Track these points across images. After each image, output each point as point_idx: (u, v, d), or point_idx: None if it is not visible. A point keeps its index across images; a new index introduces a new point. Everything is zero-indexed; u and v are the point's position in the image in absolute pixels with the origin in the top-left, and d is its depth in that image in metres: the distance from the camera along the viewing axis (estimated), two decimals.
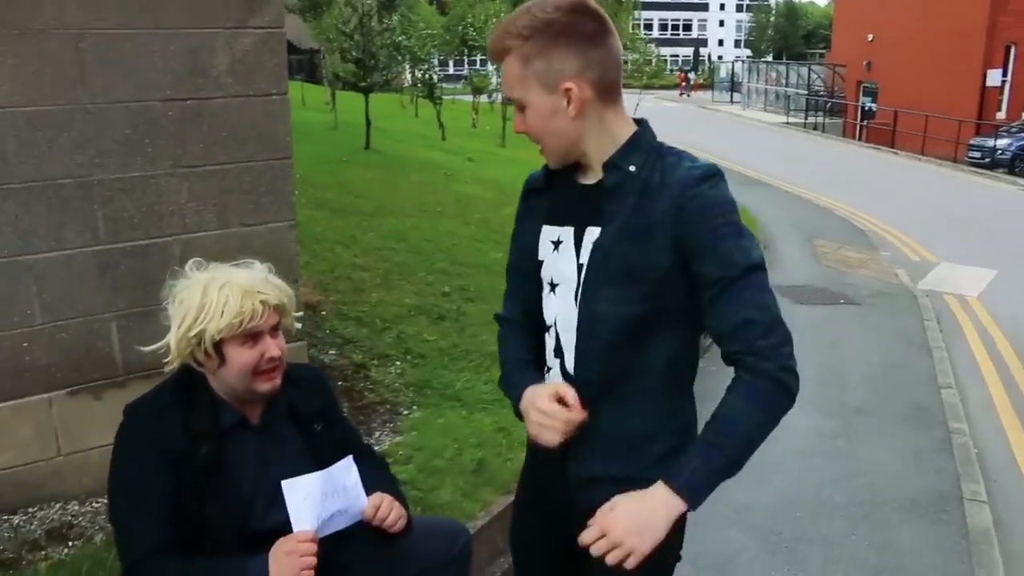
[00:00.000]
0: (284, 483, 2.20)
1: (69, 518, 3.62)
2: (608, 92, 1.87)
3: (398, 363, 5.39)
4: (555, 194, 2.01)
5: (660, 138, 1.96)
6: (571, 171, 1.98)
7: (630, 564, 1.74)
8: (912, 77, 28.56)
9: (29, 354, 3.55)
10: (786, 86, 41.19)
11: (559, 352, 1.97)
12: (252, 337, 2.24)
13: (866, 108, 32.57)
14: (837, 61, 37.24)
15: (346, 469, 2.31)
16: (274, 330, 2.30)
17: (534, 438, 1.93)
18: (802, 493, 4.97)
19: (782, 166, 22.19)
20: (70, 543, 3.44)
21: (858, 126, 32.53)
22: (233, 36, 3.72)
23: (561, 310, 1.95)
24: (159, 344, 2.28)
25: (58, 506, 3.70)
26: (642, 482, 1.82)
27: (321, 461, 2.37)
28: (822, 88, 38.44)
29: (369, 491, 2.35)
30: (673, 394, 1.95)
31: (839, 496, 4.96)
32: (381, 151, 13.73)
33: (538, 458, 2.13)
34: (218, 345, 2.21)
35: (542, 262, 2.00)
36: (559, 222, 1.97)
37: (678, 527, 1.87)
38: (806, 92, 38.06)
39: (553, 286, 1.97)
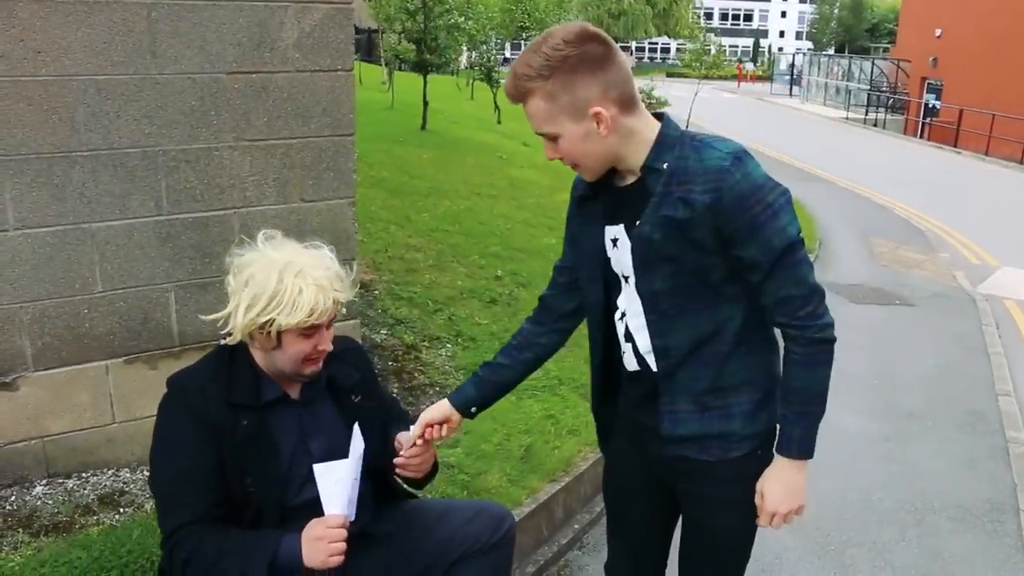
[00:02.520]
0: (316, 467, 2.22)
1: (121, 485, 3.67)
2: (629, 103, 1.99)
3: (449, 345, 5.39)
4: (604, 197, 2.15)
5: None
6: (609, 176, 2.11)
7: (796, 517, 2.21)
8: (980, 75, 27.91)
9: (88, 321, 3.59)
10: (847, 80, 40.53)
11: (629, 337, 2.20)
12: (312, 328, 2.24)
13: (930, 105, 31.93)
14: (902, 56, 36.51)
15: (357, 439, 2.33)
16: (330, 322, 2.31)
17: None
18: (850, 496, 4.88)
19: (840, 162, 21.85)
20: (121, 509, 3.49)
21: (920, 123, 31.91)
22: (301, 10, 3.72)
23: (630, 299, 2.16)
24: (219, 315, 2.28)
25: (110, 472, 3.75)
26: (732, 437, 2.18)
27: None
28: (885, 84, 37.75)
29: None
30: (755, 351, 2.17)
31: (889, 500, 4.87)
32: (437, 132, 13.75)
33: (627, 416, 2.39)
34: (279, 333, 2.22)
35: (610, 258, 2.18)
36: (613, 221, 2.13)
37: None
38: (868, 87, 37.42)
39: (626, 278, 2.16)
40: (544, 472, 4.19)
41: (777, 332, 2.18)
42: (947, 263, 11.75)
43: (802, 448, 2.13)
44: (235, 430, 2.23)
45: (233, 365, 2.31)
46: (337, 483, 2.21)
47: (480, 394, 2.46)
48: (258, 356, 2.32)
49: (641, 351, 2.18)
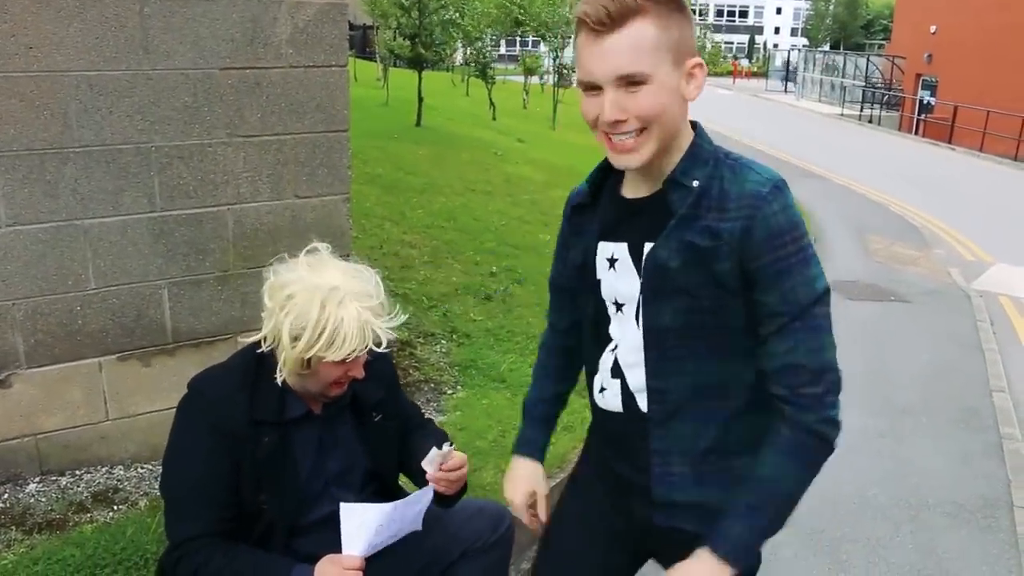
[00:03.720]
0: (343, 506, 2.16)
1: (115, 482, 3.66)
2: None
3: (444, 342, 5.38)
4: (604, 209, 1.84)
5: (712, 125, 1.84)
6: (615, 184, 1.83)
7: None
8: (975, 71, 27.94)
9: (81, 318, 3.58)
10: (842, 77, 40.56)
11: (618, 372, 1.84)
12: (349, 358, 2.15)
13: (924, 102, 31.96)
14: (897, 53, 36.54)
15: (415, 500, 2.27)
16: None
17: None
18: (845, 492, 4.88)
19: (836, 159, 21.86)
20: (115, 507, 3.48)
21: (915, 120, 31.94)
22: (295, 6, 3.71)
23: (626, 330, 1.81)
24: (256, 337, 2.20)
25: (104, 469, 3.74)
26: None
27: (374, 451, 2.38)
28: (879, 80, 37.78)
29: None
30: (769, 409, 1.75)
31: (883, 497, 4.87)
32: (432, 128, 13.73)
33: (607, 469, 1.99)
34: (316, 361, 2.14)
35: (600, 281, 1.83)
36: (613, 238, 1.80)
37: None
38: (863, 84, 37.45)
39: (619, 306, 1.81)
40: None
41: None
42: (942, 259, 11.75)
43: (735, 552, 1.69)
44: (256, 446, 2.18)
45: (259, 377, 2.22)
46: (361, 526, 2.15)
47: (548, 434, 2.20)
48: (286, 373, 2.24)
49: (632, 389, 1.82)
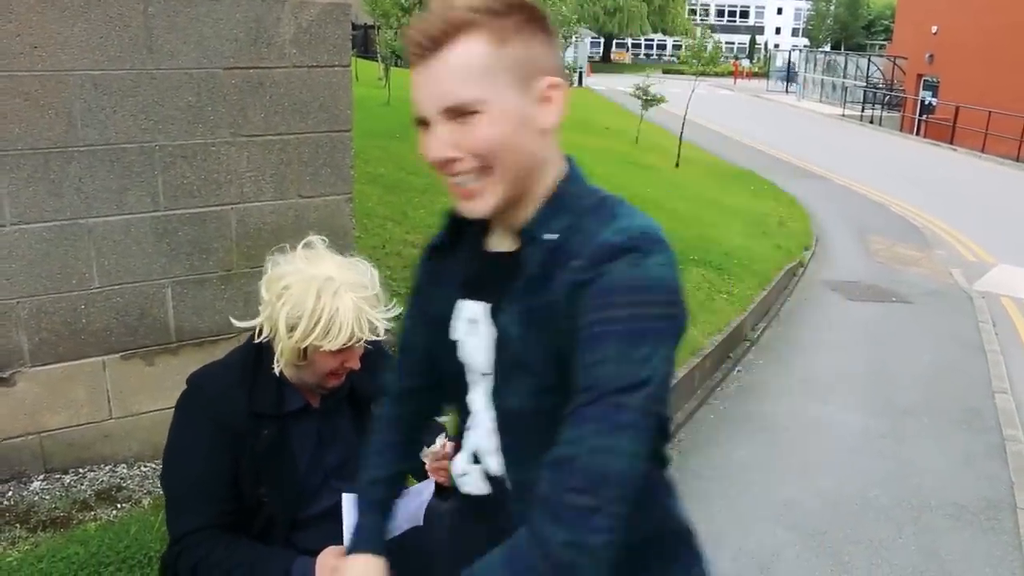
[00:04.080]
0: (345, 497, 2.11)
1: (118, 480, 3.66)
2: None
3: None
4: (466, 261, 1.50)
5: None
6: (480, 231, 1.49)
7: None
8: (976, 72, 27.92)
9: (85, 317, 3.58)
10: (843, 77, 40.55)
11: (477, 459, 1.53)
12: (345, 348, 2.15)
13: (926, 102, 31.94)
14: (898, 53, 36.52)
15: (417, 493, 2.27)
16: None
17: None
18: (847, 493, 4.88)
19: (837, 159, 21.85)
20: (118, 505, 3.48)
21: (916, 120, 31.92)
22: (299, 6, 3.71)
23: (480, 409, 1.49)
24: (252, 323, 2.20)
25: (107, 468, 3.74)
26: None
27: None
28: (881, 81, 37.77)
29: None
30: (644, 503, 1.32)
31: (886, 498, 4.87)
32: None
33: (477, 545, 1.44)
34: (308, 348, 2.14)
35: (456, 343, 1.49)
36: (475, 296, 1.46)
37: None
38: (864, 84, 37.43)
39: (483, 374, 1.47)
40: None
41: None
42: (943, 260, 11.76)
43: None
44: (256, 440, 2.19)
45: (258, 370, 2.23)
46: None
47: (388, 521, 1.76)
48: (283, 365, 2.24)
49: (491, 473, 1.50)
